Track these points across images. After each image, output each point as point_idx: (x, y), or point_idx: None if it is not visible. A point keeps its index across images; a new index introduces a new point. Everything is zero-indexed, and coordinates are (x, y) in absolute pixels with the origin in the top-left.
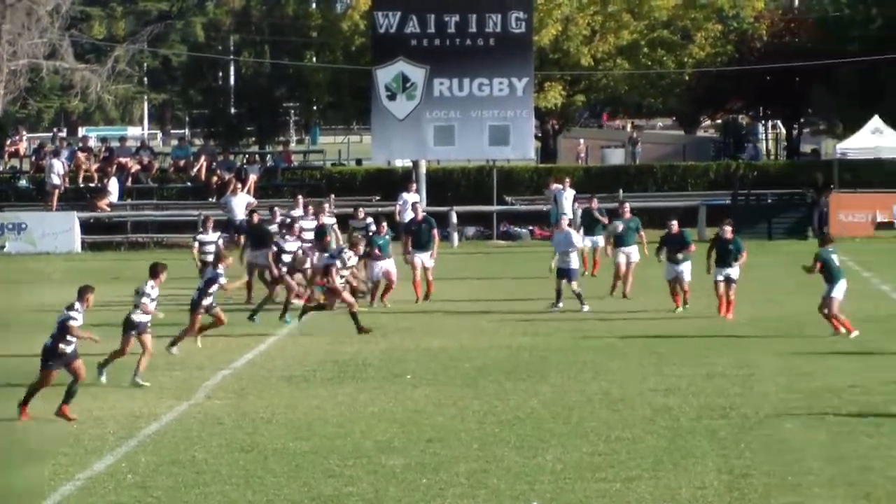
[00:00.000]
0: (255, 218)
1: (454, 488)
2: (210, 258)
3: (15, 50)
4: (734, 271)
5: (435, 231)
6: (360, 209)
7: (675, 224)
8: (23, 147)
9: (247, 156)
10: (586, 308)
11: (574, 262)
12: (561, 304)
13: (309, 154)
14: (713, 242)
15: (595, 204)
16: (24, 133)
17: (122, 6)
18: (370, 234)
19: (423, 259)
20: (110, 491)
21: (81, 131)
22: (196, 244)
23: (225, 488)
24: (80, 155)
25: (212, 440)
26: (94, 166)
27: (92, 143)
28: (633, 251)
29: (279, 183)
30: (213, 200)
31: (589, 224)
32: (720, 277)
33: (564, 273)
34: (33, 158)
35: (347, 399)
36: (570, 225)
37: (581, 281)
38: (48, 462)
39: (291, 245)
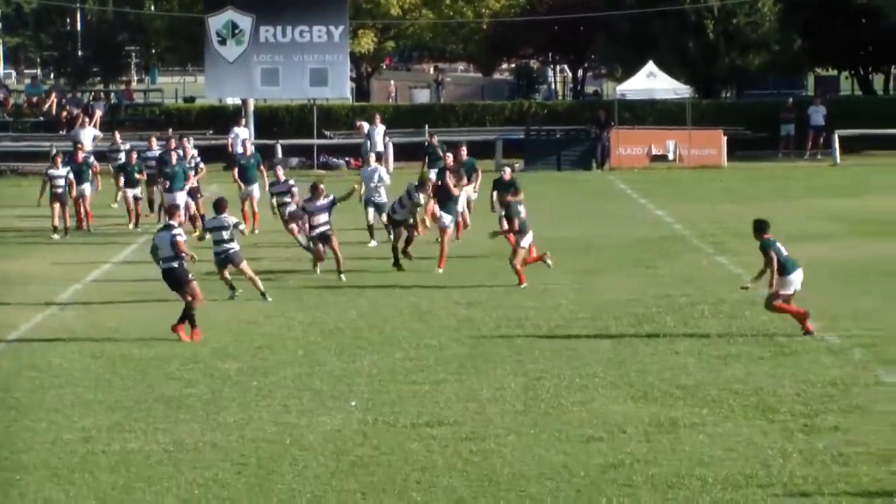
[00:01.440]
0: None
1: (282, 390)
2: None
3: None
4: (522, 209)
5: (262, 165)
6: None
7: (464, 150)
8: None
9: (93, 93)
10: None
11: (382, 196)
12: (375, 242)
13: (149, 93)
14: (494, 184)
15: (435, 139)
16: None
17: None
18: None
19: (252, 191)
20: None
21: None
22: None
23: (78, 390)
24: None
25: (66, 347)
26: None
27: None
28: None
29: (122, 118)
30: (63, 133)
31: (430, 158)
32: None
33: (374, 205)
34: None
35: None
36: (378, 160)
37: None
38: None
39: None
